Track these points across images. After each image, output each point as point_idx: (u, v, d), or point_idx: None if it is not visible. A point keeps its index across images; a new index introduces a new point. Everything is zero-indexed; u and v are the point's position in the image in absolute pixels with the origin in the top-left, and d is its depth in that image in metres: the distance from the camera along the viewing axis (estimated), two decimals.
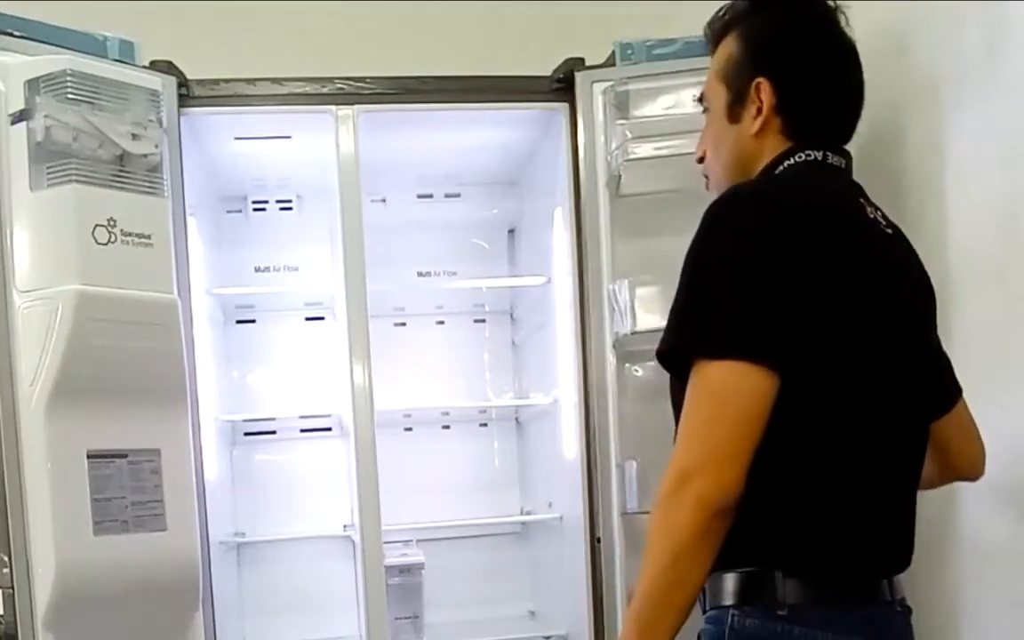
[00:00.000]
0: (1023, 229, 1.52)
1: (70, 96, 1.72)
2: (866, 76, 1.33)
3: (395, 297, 2.68)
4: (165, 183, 1.86)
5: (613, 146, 2.07)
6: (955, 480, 1.48)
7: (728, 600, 1.18)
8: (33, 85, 1.71)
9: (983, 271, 1.61)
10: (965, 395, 1.41)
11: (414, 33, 2.62)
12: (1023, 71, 1.51)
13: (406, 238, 2.70)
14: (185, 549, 1.87)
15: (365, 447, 2.14)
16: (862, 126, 1.35)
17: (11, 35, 1.78)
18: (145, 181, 1.82)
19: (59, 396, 1.69)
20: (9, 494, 1.70)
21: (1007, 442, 1.49)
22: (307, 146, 2.32)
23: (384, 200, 2.68)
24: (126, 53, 1.93)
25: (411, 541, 2.51)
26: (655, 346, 1.19)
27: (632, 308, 2.02)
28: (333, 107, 2.14)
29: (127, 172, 1.79)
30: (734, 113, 1.32)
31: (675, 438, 1.15)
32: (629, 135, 2.04)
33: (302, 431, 2.67)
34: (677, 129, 1.97)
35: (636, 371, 2.14)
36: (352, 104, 2.15)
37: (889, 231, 1.28)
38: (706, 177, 1.42)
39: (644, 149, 2.03)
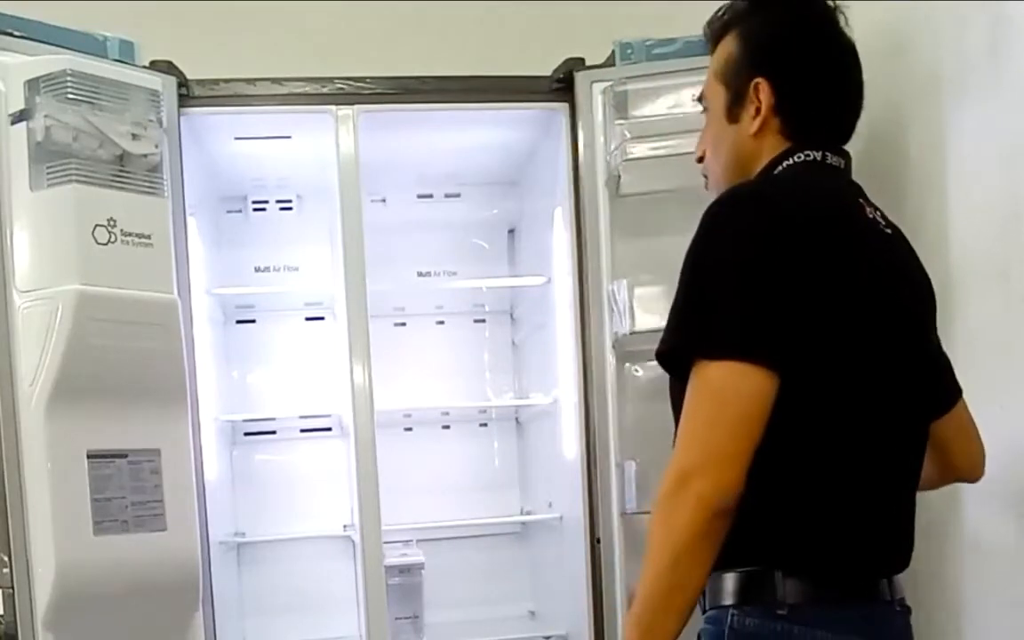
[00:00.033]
0: None
1: (70, 96, 1.72)
2: (866, 76, 1.33)
3: (395, 297, 2.68)
4: (165, 183, 1.86)
5: (612, 146, 2.07)
6: (955, 481, 1.48)
7: (728, 600, 1.18)
8: (33, 85, 1.71)
9: (985, 271, 1.61)
10: (967, 395, 1.41)
11: (414, 33, 2.62)
12: None
13: (406, 238, 2.70)
14: (185, 549, 1.87)
15: (365, 447, 2.14)
16: (863, 126, 1.35)
17: (11, 35, 1.79)
18: (145, 181, 1.82)
19: (59, 396, 1.69)
20: (9, 494, 1.70)
21: (1008, 442, 1.49)
22: (307, 146, 2.32)
23: (384, 200, 2.68)
24: (126, 53, 1.93)
25: (411, 541, 2.51)
26: (655, 346, 1.19)
27: (631, 308, 2.02)
28: (333, 107, 2.14)
29: (127, 172, 1.79)
30: (733, 113, 1.32)
31: (675, 438, 1.15)
32: (628, 135, 2.04)
33: (302, 431, 2.67)
34: (676, 129, 1.97)
35: (636, 371, 2.14)
36: (352, 104, 2.15)
37: (888, 231, 1.28)
38: (705, 177, 1.43)
39: (641, 149, 2.03)
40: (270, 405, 2.65)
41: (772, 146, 1.29)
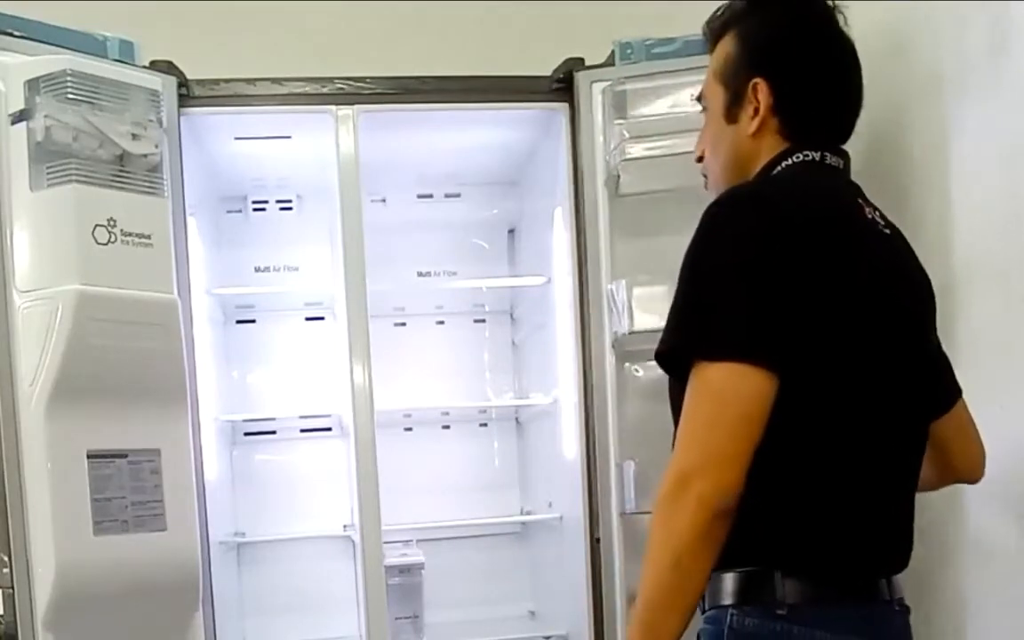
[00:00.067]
0: None
1: (70, 96, 1.72)
2: (866, 76, 1.33)
3: (395, 297, 2.68)
4: (165, 183, 1.86)
5: (612, 146, 2.07)
6: (954, 482, 1.48)
7: (727, 600, 1.18)
8: (33, 85, 1.71)
9: (985, 271, 1.61)
10: (967, 395, 1.40)
11: (414, 33, 2.62)
12: None
13: (406, 238, 2.70)
14: (185, 549, 1.87)
15: (365, 447, 2.14)
16: (863, 126, 1.35)
17: (11, 35, 1.79)
18: (145, 181, 1.82)
19: (59, 396, 1.69)
20: (9, 494, 1.70)
21: (1008, 442, 1.49)
22: (307, 146, 2.32)
23: (384, 200, 2.68)
24: (126, 53, 1.93)
25: (411, 541, 2.51)
26: (654, 346, 1.19)
27: (629, 308, 2.02)
28: (333, 107, 2.14)
29: (127, 172, 1.79)
30: (732, 113, 1.32)
31: (674, 439, 1.15)
32: (626, 135, 2.04)
33: (302, 431, 2.67)
34: (675, 129, 1.97)
35: (636, 371, 2.14)
36: (352, 104, 2.15)
37: (887, 231, 1.28)
38: (705, 176, 1.42)
39: (640, 149, 2.02)
40: (270, 405, 2.65)
41: (771, 146, 1.29)
